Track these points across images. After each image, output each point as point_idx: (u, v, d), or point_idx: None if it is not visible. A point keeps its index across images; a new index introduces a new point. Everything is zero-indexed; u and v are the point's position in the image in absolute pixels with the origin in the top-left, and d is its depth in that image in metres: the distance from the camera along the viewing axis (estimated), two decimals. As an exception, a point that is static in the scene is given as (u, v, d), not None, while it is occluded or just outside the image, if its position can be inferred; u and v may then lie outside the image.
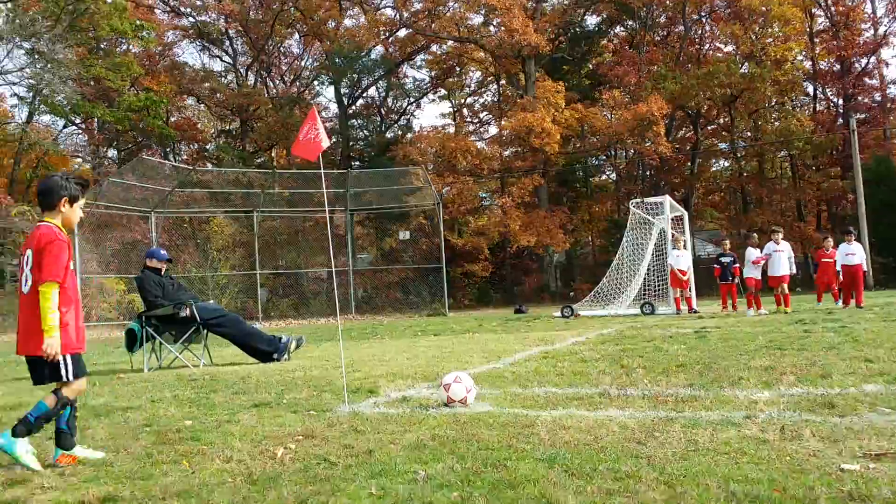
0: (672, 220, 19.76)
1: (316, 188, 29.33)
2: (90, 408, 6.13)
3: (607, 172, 46.81)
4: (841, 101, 40.79)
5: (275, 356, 9.64)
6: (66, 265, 4.11)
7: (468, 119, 47.97)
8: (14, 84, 38.38)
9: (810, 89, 41.84)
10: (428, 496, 3.13)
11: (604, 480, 3.24)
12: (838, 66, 40.00)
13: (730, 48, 40.42)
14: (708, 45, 42.68)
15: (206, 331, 9.81)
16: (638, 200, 20.78)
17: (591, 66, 44.03)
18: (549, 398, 5.53)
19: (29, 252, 4.14)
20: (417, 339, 13.23)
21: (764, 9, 36.24)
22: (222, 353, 10.90)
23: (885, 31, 40.03)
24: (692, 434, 4.05)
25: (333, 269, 7.61)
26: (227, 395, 6.61)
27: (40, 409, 4.10)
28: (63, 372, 4.11)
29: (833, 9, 39.90)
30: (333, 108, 46.42)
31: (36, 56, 32.93)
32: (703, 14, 41.35)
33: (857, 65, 40.10)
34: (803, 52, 39.49)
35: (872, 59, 40.06)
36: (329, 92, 54.81)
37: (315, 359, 9.79)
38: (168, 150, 41.61)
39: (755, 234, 16.80)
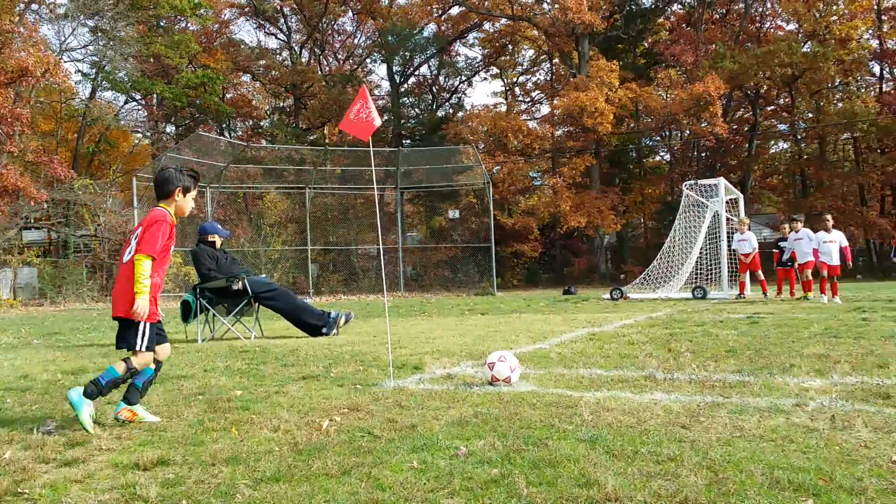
0: (727, 202, 19.44)
1: (367, 166, 29.48)
2: (145, 376, 6.30)
3: (661, 153, 46.16)
4: (910, 82, 39.42)
5: (324, 330, 9.76)
6: (165, 245, 4.46)
7: (520, 98, 47.67)
8: (78, 61, 39.34)
9: (876, 69, 40.54)
10: (468, 472, 3.16)
11: (645, 463, 3.23)
12: (908, 45, 38.57)
13: (792, 26, 39.49)
14: (769, 23, 41.70)
15: (257, 304, 9.98)
16: (692, 182, 20.45)
17: (646, 44, 43.32)
18: (593, 380, 5.51)
19: (139, 230, 4.51)
20: (464, 318, 13.26)
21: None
22: (273, 326, 11.06)
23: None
24: (738, 420, 4.00)
25: (380, 247, 7.69)
26: (276, 366, 6.73)
27: (111, 374, 4.35)
28: (138, 341, 4.39)
29: (904, -15, 38.48)
30: (385, 85, 46.57)
31: (99, 33, 33.62)
32: (764, -9, 40.40)
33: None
34: (870, 31, 38.23)
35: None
36: (381, 70, 54.82)
37: (363, 334, 9.90)
38: (223, 126, 42.15)
39: (829, 217, 16.21)
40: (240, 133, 43.48)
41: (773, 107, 42.18)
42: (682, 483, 2.92)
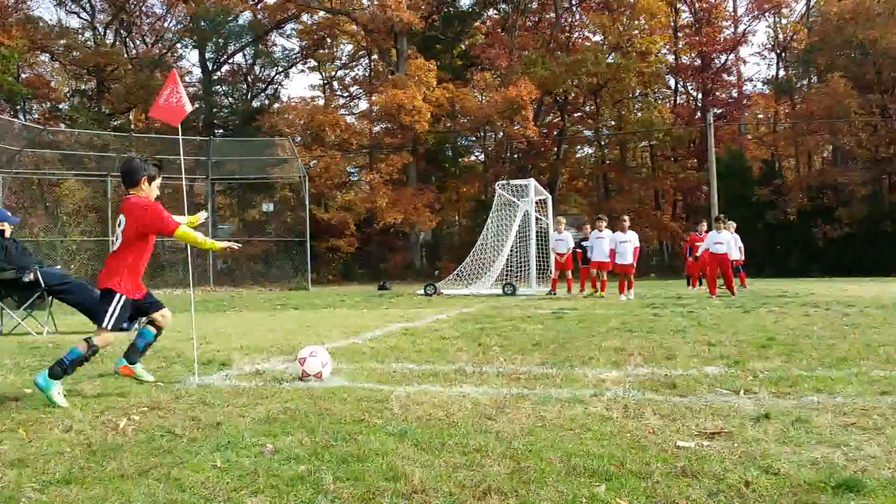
0: (537, 203, 20.14)
1: (176, 154, 28.21)
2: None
3: (476, 153, 47.17)
4: (700, 96, 42.53)
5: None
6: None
7: (338, 92, 47.29)
8: None
9: (672, 82, 43.53)
10: (274, 469, 3.10)
11: (452, 455, 3.28)
12: (699, 62, 41.52)
13: (598, 38, 41.47)
14: (577, 34, 43.60)
15: (51, 297, 9.37)
16: (504, 182, 21.03)
17: (463, 46, 44.12)
18: (405, 374, 5.56)
19: (121, 217, 4.85)
20: (277, 313, 13.04)
21: (632, 0, 37.45)
22: (68, 321, 10.38)
23: (745, 29, 42.15)
24: (541, 410, 4.16)
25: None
26: (70, 364, 6.32)
27: (74, 354, 4.65)
28: (105, 319, 4.76)
29: (697, 5, 41.52)
30: (197, 72, 44.89)
31: None
32: (573, 3, 42.30)
33: (716, 61, 41.71)
34: (667, 46, 41.04)
35: (731, 56, 41.89)
36: (193, 56, 53.07)
37: (167, 329, 9.47)
38: (18, 107, 39.11)
39: (626, 218, 17.08)
40: (36, 116, 40.51)
41: (579, 113, 44.24)
42: (486, 473, 2.99)
